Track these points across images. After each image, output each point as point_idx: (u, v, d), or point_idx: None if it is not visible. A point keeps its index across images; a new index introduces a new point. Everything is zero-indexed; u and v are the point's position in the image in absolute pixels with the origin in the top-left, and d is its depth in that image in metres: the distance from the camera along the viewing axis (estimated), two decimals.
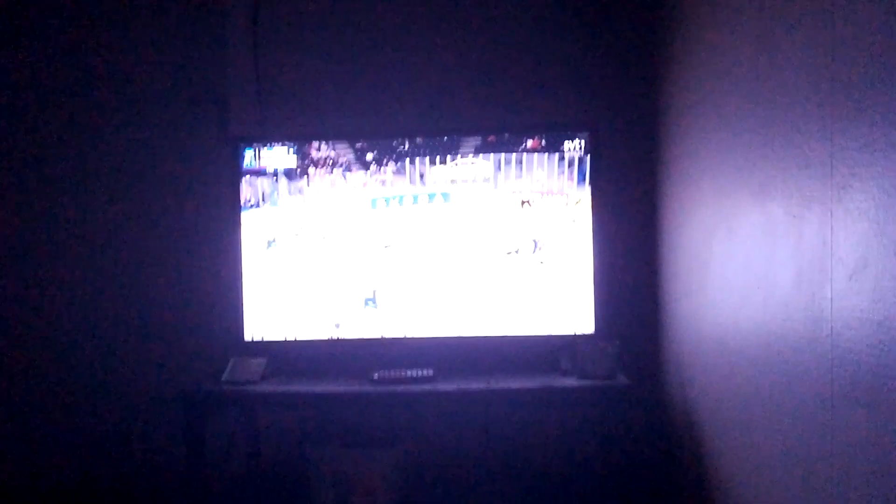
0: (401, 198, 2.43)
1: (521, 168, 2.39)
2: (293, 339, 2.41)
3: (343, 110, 2.60)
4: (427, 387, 2.19)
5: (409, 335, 2.39)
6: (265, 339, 2.41)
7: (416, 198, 2.42)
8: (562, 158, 2.38)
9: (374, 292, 2.41)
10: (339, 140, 2.42)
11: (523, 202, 2.39)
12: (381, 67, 2.60)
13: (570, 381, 2.18)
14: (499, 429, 2.57)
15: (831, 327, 1.25)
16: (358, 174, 2.42)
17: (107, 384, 2.64)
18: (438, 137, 2.40)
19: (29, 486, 2.64)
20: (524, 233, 2.39)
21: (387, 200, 2.43)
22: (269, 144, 2.44)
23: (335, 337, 2.41)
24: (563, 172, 2.38)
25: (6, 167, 2.65)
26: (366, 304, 2.41)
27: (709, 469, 1.97)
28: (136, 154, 2.66)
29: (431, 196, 2.42)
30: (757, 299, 1.61)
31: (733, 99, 1.75)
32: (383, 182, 2.42)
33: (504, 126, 2.42)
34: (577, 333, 2.33)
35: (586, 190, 2.36)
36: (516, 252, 2.38)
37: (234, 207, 2.42)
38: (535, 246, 2.38)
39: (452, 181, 2.41)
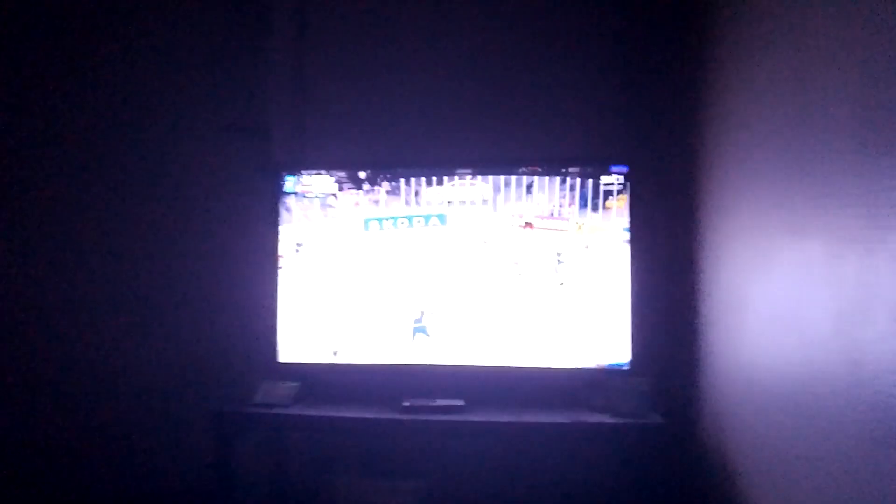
0: (407, 219, 2.44)
1: (520, 191, 2.39)
2: (326, 363, 2.42)
3: (382, 140, 2.64)
4: (457, 417, 2.17)
5: (441, 363, 2.38)
6: (298, 362, 2.43)
7: (427, 219, 2.42)
8: (563, 182, 2.37)
9: (422, 316, 2.41)
10: (379, 169, 2.45)
11: (527, 224, 2.38)
12: (422, 96, 2.64)
13: (603, 418, 2.15)
14: (527, 463, 2.53)
15: (873, 371, 1.21)
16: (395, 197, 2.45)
17: (137, 402, 2.68)
18: (473, 168, 2.41)
19: (49, 499, 2.67)
20: (540, 255, 2.37)
21: (386, 221, 2.45)
22: (308, 171, 2.48)
23: (368, 362, 2.41)
24: (564, 196, 2.37)
25: (57, 195, 2.72)
26: (414, 333, 2.41)
27: None
28: (177, 178, 2.72)
29: (427, 217, 2.43)
30: (793, 340, 1.57)
31: (772, 135, 1.73)
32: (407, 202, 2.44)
33: (543, 158, 2.42)
34: (611, 366, 2.29)
35: (589, 216, 2.34)
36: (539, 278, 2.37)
37: (272, 232, 2.46)
38: (559, 261, 2.36)
39: (449, 202, 2.41)
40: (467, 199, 2.42)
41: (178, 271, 2.71)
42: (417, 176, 2.43)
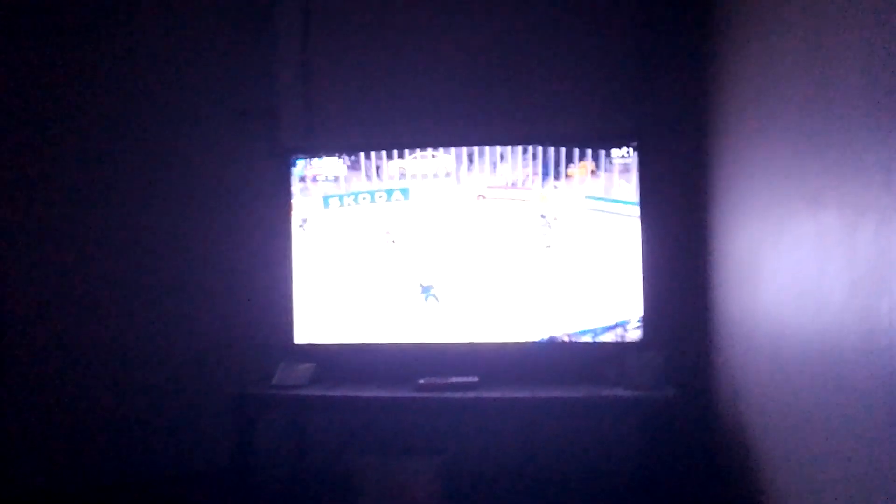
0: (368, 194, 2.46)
1: (483, 163, 2.39)
2: (341, 343, 2.44)
3: (390, 121, 2.63)
4: (471, 394, 2.19)
5: (454, 340, 2.40)
6: (315, 343, 2.45)
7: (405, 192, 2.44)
8: (525, 151, 2.36)
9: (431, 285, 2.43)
10: (386, 149, 2.45)
11: (479, 196, 2.37)
12: (428, 78, 2.63)
13: (617, 391, 2.16)
14: (543, 438, 2.56)
15: (890, 340, 1.21)
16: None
17: (159, 386, 2.71)
18: (480, 144, 2.41)
19: (74, 481, 2.70)
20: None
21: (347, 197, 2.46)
22: (318, 155, 2.48)
23: (382, 341, 2.43)
24: (526, 165, 2.36)
25: (65, 182, 2.72)
26: (426, 298, 2.42)
27: (759, 484, 1.93)
28: (188, 163, 2.72)
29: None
30: (809, 309, 1.57)
31: (785, 105, 1.71)
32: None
33: (550, 136, 2.41)
34: (625, 341, 2.30)
35: (551, 185, 2.34)
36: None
37: (285, 215, 2.47)
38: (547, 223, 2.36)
39: (413, 176, 2.43)
40: (429, 173, 2.41)
41: (193, 257, 2.72)
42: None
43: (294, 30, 2.70)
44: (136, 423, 2.72)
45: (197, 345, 2.71)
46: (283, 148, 2.57)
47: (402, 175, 2.43)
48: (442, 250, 2.43)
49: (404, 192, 2.43)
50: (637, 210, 2.33)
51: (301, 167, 2.50)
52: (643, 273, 2.31)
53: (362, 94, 2.65)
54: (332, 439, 2.62)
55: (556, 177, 2.36)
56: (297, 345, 2.45)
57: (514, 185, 2.37)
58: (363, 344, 2.44)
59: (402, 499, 2.31)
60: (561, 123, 2.54)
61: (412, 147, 2.44)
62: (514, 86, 2.59)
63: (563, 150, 2.35)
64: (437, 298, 2.41)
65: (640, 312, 2.31)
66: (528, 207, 2.37)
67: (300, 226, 2.48)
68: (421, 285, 2.41)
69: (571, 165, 2.35)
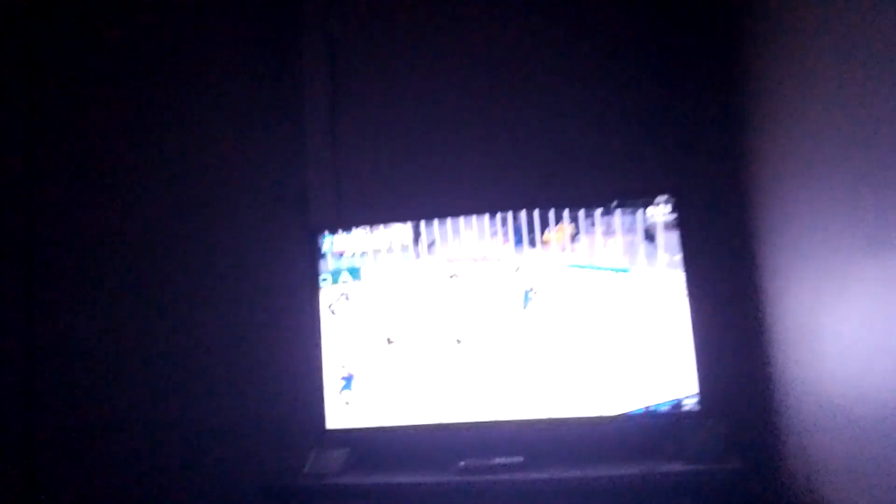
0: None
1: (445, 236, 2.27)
2: (376, 427, 2.33)
3: (415, 194, 2.59)
4: (518, 476, 2.03)
5: (496, 419, 2.26)
6: (347, 428, 2.34)
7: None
8: (493, 217, 2.24)
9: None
10: (410, 220, 2.39)
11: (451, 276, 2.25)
12: (456, 149, 2.60)
13: (676, 466, 1.98)
14: None
15: None
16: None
17: (184, 477, 2.61)
18: (504, 212, 2.32)
19: None
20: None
21: None
22: (346, 230, 2.44)
23: (419, 423, 2.31)
24: (495, 234, 2.23)
25: (107, 255, 2.78)
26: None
27: None
28: (222, 247, 2.73)
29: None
30: (884, 365, 1.41)
31: (835, 144, 1.61)
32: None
33: (585, 196, 2.31)
34: (681, 410, 2.13)
35: (525, 254, 2.20)
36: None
37: (313, 292, 2.41)
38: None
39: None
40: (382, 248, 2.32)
41: (223, 339, 2.68)
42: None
43: (322, 115, 2.72)
44: None
45: (222, 431, 2.62)
46: (310, 226, 2.54)
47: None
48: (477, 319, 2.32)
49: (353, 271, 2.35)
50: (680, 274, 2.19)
51: (328, 244, 2.45)
52: (694, 338, 2.15)
53: (390, 171, 2.63)
54: None
55: (532, 244, 2.23)
56: (329, 430, 2.33)
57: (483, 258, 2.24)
58: (398, 426, 2.31)
59: None
60: (601, 184, 2.44)
61: (440, 216, 2.37)
62: (546, 148, 2.53)
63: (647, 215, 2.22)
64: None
65: (696, 381, 2.14)
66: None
67: (329, 307, 2.41)
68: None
69: (547, 231, 2.21)
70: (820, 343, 1.80)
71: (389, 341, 2.35)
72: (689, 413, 2.12)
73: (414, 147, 2.63)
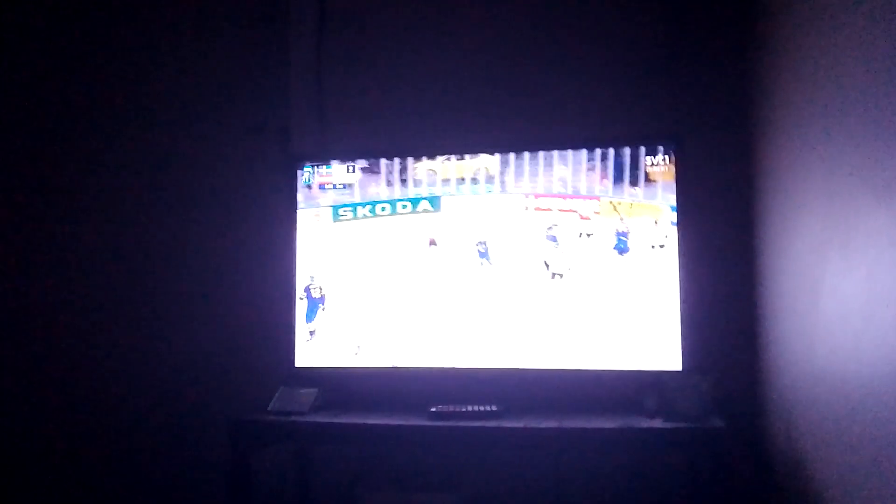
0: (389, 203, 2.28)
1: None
2: (346, 367, 2.24)
3: (407, 127, 2.47)
4: (491, 423, 1.96)
5: (471, 366, 2.18)
6: (317, 366, 2.25)
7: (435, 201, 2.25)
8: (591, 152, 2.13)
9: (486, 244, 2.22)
10: (402, 156, 2.28)
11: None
12: (448, 80, 2.47)
13: (656, 423, 1.91)
14: (572, 474, 2.29)
15: None
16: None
17: (153, 412, 2.56)
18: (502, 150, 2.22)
19: None
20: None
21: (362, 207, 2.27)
22: (327, 163, 2.32)
23: (391, 365, 2.22)
24: (592, 169, 2.13)
25: (72, 198, 2.69)
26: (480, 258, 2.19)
27: None
28: (198, 180, 2.63)
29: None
30: (885, 319, 1.32)
31: (846, 90, 1.49)
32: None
33: (587, 138, 2.19)
34: (663, 369, 2.05)
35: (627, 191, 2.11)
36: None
37: (290, 225, 2.31)
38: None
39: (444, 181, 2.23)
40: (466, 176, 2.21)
41: (193, 273, 2.60)
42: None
43: (307, 44, 2.57)
44: (127, 450, 2.56)
45: (191, 366, 2.55)
46: (289, 156, 2.42)
47: (432, 182, 2.24)
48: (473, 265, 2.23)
49: (433, 201, 2.24)
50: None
51: (308, 175, 2.33)
52: (682, 290, 2.06)
53: (377, 101, 2.50)
54: (337, 472, 2.40)
55: (633, 182, 2.12)
56: (298, 367, 2.25)
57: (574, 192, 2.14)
58: (370, 368, 2.23)
59: None
60: (596, 127, 2.34)
61: (429, 154, 2.26)
62: (541, 87, 2.40)
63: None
64: (489, 260, 2.18)
65: (679, 337, 2.06)
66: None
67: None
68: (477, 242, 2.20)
69: (655, 168, 2.10)
70: (817, 301, 1.71)
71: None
72: (671, 371, 2.04)
73: (403, 80, 2.50)
